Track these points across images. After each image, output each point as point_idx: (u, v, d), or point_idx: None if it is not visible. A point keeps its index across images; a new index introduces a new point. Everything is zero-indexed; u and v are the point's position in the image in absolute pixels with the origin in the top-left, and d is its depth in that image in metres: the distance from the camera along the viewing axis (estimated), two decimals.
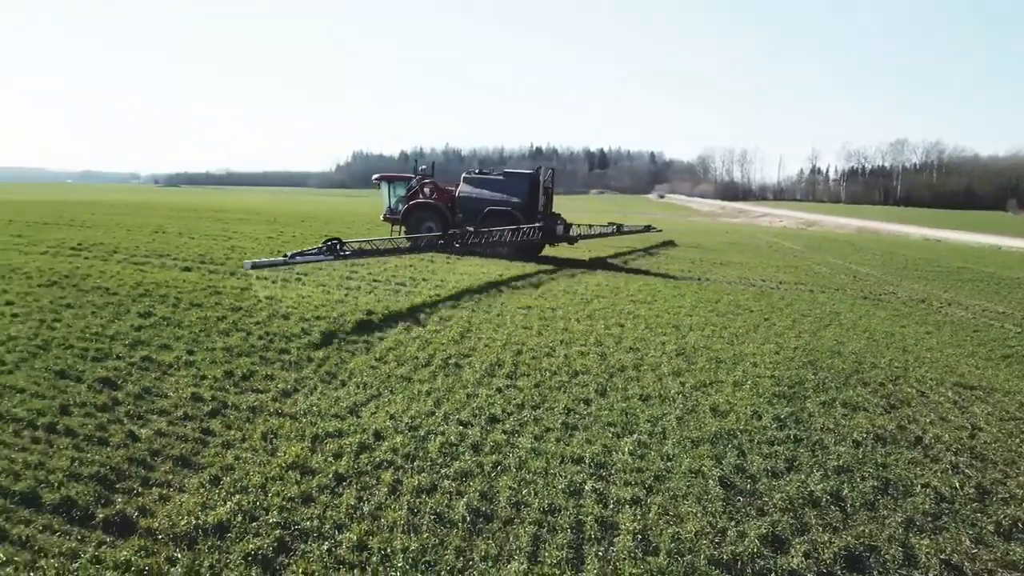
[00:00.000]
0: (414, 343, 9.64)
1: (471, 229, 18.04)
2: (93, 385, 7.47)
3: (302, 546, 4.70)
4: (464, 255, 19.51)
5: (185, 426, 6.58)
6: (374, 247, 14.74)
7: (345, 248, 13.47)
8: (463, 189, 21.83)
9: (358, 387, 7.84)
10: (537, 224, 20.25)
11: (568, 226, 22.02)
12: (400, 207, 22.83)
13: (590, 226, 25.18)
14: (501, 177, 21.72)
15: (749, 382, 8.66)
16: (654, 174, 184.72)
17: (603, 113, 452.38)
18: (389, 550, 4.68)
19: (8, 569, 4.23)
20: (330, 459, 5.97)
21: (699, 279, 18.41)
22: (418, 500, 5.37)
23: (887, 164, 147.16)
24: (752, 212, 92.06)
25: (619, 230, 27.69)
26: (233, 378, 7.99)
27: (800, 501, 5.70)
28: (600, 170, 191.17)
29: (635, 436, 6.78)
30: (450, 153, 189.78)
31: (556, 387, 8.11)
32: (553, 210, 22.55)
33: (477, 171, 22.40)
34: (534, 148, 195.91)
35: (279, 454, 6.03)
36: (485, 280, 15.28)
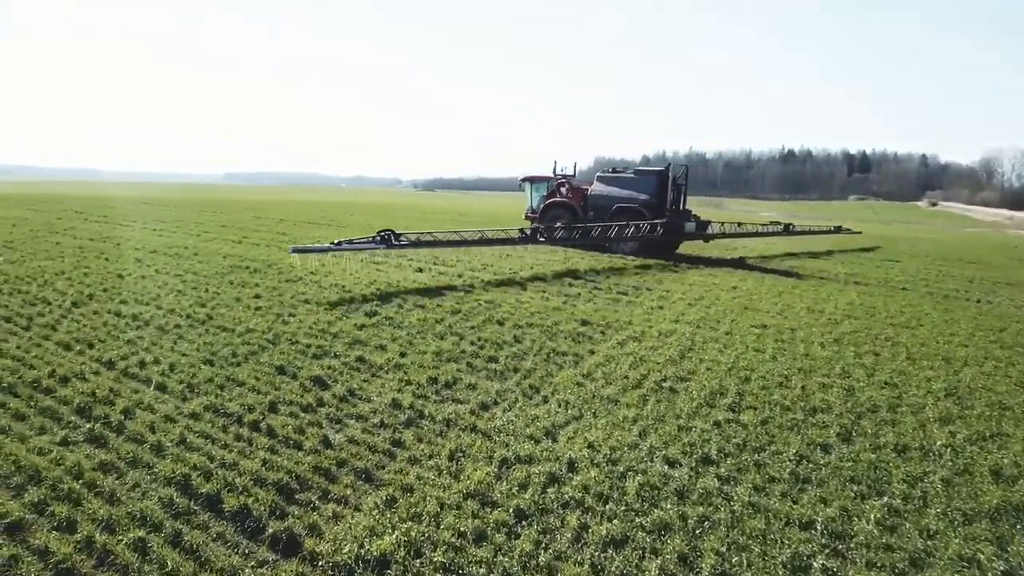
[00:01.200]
0: (626, 360, 8.86)
1: (560, 225, 19.11)
2: (305, 383, 7.60)
3: None
4: (590, 250, 20.15)
5: (378, 435, 6.38)
6: (435, 239, 15.05)
7: (401, 238, 14.12)
8: (595, 188, 22.06)
9: (559, 405, 7.24)
10: (658, 220, 19.65)
11: (705, 224, 21.65)
12: (540, 206, 23.56)
13: (739, 224, 24.07)
14: (632, 175, 21.67)
15: None
16: (925, 179, 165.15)
17: (866, 112, 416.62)
18: None
19: None
20: (514, 490, 5.40)
21: (978, 300, 15.60)
22: (604, 555, 4.60)
23: None
24: None
25: (788, 230, 25.58)
26: (436, 385, 7.76)
27: None
28: (861, 174, 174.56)
29: (885, 499, 5.46)
30: (693, 156, 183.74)
31: (787, 426, 6.91)
32: (686, 207, 21.90)
33: (611, 170, 22.59)
34: (785, 150, 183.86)
35: (462, 477, 5.57)
36: (717, 292, 14.05)
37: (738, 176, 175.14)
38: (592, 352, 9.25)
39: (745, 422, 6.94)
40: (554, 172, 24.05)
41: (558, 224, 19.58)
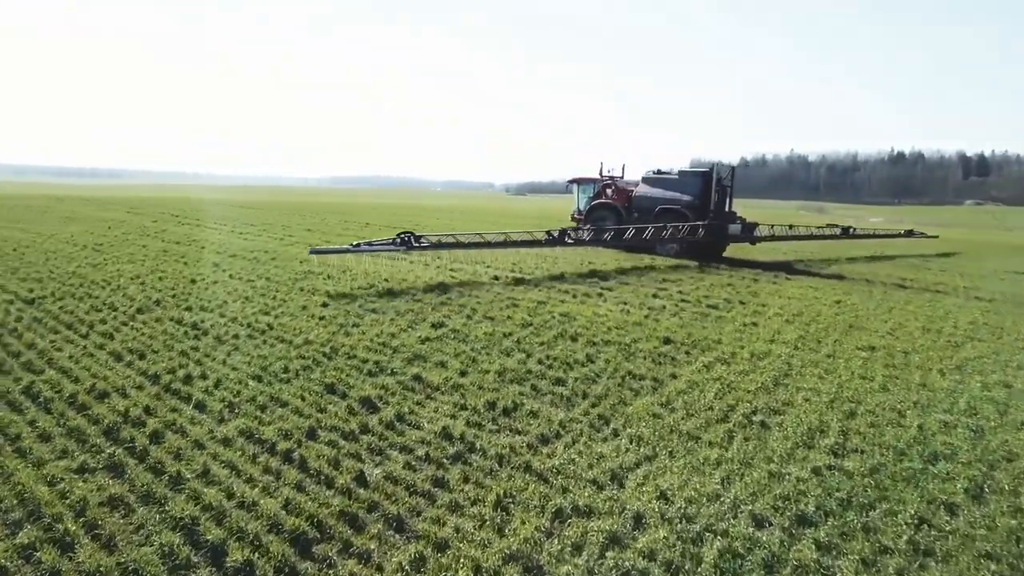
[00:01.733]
0: (712, 386, 7.87)
1: (590, 227, 19.53)
2: (352, 406, 6.97)
3: None
4: (624, 251, 20.03)
5: (420, 471, 5.67)
6: (456, 240, 15.10)
7: (422, 240, 14.39)
8: (640, 189, 22.06)
9: (631, 441, 6.33)
10: (700, 222, 19.37)
11: (752, 226, 20.82)
12: (587, 207, 23.66)
13: (790, 227, 22.80)
14: (677, 177, 21.63)
15: None
16: None
17: (985, 111, 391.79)
18: None
19: None
20: (566, 552, 4.55)
21: None
22: None
23: None
24: None
25: (847, 233, 24.12)
26: (494, 411, 6.99)
27: None
28: (978, 177, 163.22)
29: None
30: (795, 159, 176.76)
31: (902, 477, 5.78)
32: (731, 209, 21.02)
33: (656, 171, 22.34)
34: (895, 152, 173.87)
35: (507, 532, 4.78)
36: (818, 307, 12.74)
37: (843, 179, 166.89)
38: (673, 376, 8.29)
39: (850, 470, 5.87)
40: (600, 173, 24.03)
41: (587, 226, 20.15)
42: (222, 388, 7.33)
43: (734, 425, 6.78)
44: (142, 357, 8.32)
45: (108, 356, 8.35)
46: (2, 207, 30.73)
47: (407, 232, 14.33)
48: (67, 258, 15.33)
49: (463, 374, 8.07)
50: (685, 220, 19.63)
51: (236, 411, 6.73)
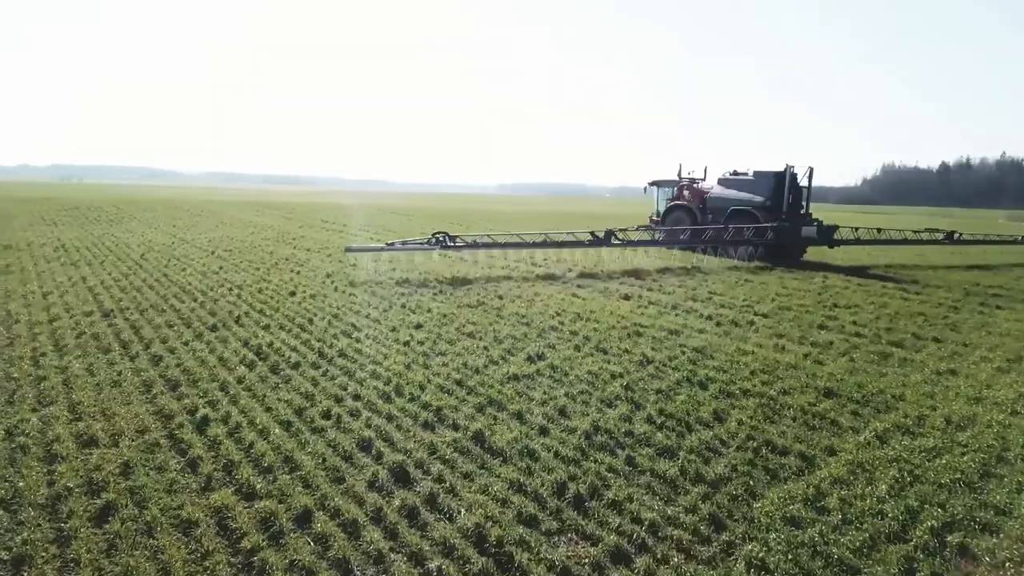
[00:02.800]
0: (886, 473, 5.50)
1: (638, 227, 20.97)
2: (378, 475, 5.31)
3: None
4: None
5: None
6: (494, 241, 15.32)
7: (456, 240, 14.64)
8: (713, 190, 21.96)
9: (749, 569, 4.21)
10: (768, 224, 18.76)
11: (830, 228, 19.66)
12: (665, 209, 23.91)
13: (879, 230, 21.44)
14: (751, 177, 20.98)
15: None
16: None
17: None
18: None
19: None
20: None
21: None
22: None
23: None
24: None
25: (953, 238, 21.53)
26: (562, 498, 5.09)
27: None
28: None
29: None
30: (1006, 163, 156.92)
31: None
32: (808, 211, 20.17)
33: (732, 172, 21.87)
34: None
35: None
36: None
37: None
38: (831, 452, 5.97)
39: None
40: (679, 175, 23.96)
41: (637, 227, 21.12)
42: (235, 436, 5.94)
43: (915, 548, 4.45)
44: (174, 388, 7.16)
45: (138, 385, 7.23)
46: (169, 209, 32.55)
47: (442, 232, 14.60)
48: (184, 264, 15.06)
49: (542, 432, 6.23)
50: (756, 222, 19.30)
51: (231, 475, 5.27)
